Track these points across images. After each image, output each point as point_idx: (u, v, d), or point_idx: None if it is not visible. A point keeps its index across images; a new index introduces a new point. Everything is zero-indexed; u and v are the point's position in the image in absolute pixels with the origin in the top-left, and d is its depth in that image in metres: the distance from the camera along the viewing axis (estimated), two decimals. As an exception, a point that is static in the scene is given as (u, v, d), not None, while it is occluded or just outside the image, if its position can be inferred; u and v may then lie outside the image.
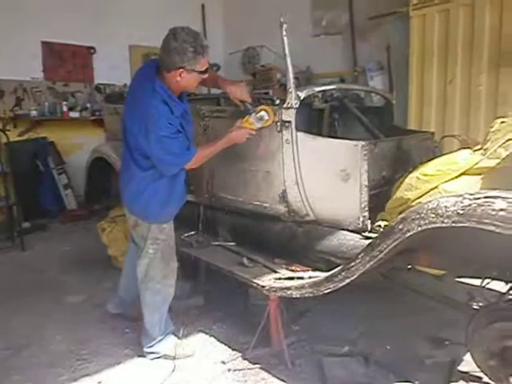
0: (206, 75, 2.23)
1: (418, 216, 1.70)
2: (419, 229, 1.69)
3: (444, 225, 1.62)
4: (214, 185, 2.97)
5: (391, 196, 2.36)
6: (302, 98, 2.47)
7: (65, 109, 5.41)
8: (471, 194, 1.60)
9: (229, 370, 2.34)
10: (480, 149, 2.23)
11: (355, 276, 1.95)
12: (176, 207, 2.41)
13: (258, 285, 2.35)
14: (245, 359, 2.41)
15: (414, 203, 2.16)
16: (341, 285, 2.01)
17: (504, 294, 2.29)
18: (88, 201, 4.30)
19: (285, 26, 2.32)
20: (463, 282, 2.86)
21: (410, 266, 2.38)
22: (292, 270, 2.45)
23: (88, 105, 5.67)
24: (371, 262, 1.88)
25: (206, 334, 2.70)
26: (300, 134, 2.45)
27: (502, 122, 2.20)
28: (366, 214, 2.32)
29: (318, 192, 2.47)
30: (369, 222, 2.33)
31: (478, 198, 1.57)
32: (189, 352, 2.48)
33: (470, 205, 1.57)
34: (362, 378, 2.18)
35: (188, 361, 2.43)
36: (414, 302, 2.80)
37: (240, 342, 2.59)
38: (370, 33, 5.17)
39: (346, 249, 2.33)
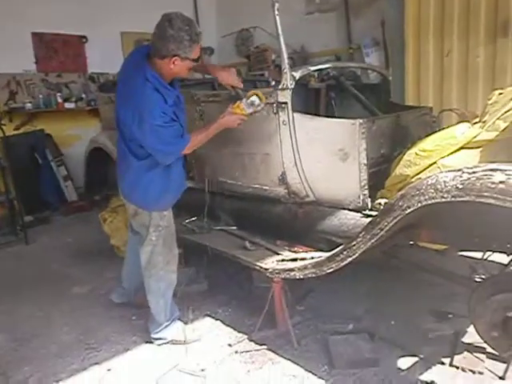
0: (198, 62, 2.22)
1: (417, 192, 1.70)
2: (419, 205, 1.69)
3: (444, 200, 1.62)
4: (213, 170, 2.96)
5: (390, 173, 2.35)
6: (297, 78, 2.44)
7: (59, 100, 5.36)
8: (470, 168, 1.60)
9: (236, 352, 2.37)
10: (478, 122, 2.21)
11: (357, 255, 1.96)
12: (175, 194, 2.41)
13: (261, 268, 2.36)
14: (251, 341, 2.44)
15: (413, 179, 2.15)
16: (343, 264, 2.02)
17: (506, 265, 2.31)
18: (88, 192, 4.30)
19: (277, 5, 2.29)
20: (465, 256, 2.88)
21: (411, 243, 2.39)
22: (294, 252, 2.46)
23: (83, 95, 5.62)
24: (372, 240, 1.89)
25: (212, 318, 2.73)
26: (297, 115, 2.43)
27: (500, 94, 2.18)
28: (366, 192, 2.32)
29: (317, 172, 2.46)
30: (369, 200, 2.34)
31: (477, 172, 1.57)
32: (196, 336, 2.51)
33: (468, 179, 1.57)
34: (368, 354, 2.20)
35: (195, 345, 2.46)
36: (417, 278, 2.82)
37: (246, 324, 2.62)
38: (365, 8, 5.07)
39: (347, 228, 2.33)
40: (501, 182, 1.50)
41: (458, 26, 4.01)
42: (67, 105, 5.41)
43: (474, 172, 1.57)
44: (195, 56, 2.16)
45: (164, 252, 2.41)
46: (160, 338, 2.49)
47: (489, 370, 2.07)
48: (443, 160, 2.13)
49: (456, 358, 2.14)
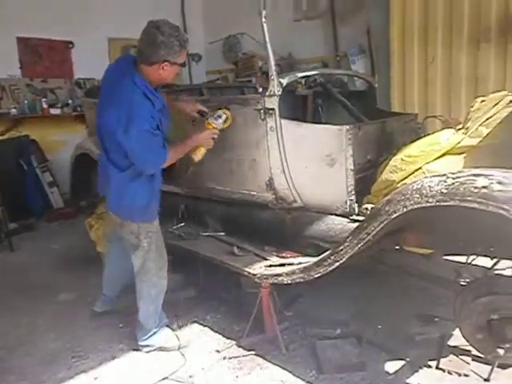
0: (185, 66, 2.27)
1: (403, 197, 1.73)
2: (405, 210, 1.72)
3: (429, 204, 1.65)
4: (201, 176, 2.96)
5: (377, 179, 2.38)
6: (284, 84, 2.46)
7: (45, 105, 5.31)
8: (454, 173, 1.63)
9: (224, 358, 2.36)
10: (462, 128, 2.26)
11: (344, 259, 1.97)
12: (158, 201, 2.39)
13: (249, 273, 2.37)
14: (239, 347, 2.43)
15: (399, 185, 2.19)
16: (330, 268, 2.04)
17: (489, 269, 2.35)
18: (74, 198, 4.26)
19: (264, 12, 2.31)
20: (450, 260, 2.92)
21: (397, 247, 2.42)
22: (282, 257, 2.47)
23: (69, 101, 5.58)
24: (359, 245, 1.91)
25: (200, 324, 2.71)
26: (284, 121, 2.45)
27: (482, 101, 2.23)
28: (353, 197, 2.34)
29: (304, 178, 2.48)
30: (356, 205, 2.36)
31: (461, 177, 1.60)
32: (184, 343, 2.49)
33: (453, 184, 1.60)
34: (356, 358, 2.22)
35: (183, 352, 2.44)
36: (403, 282, 2.85)
37: (234, 330, 2.61)
38: (351, 16, 5.14)
39: (335, 233, 2.35)
40: (483, 187, 1.53)
41: (441, 32, 4.10)
42: (53, 111, 5.37)
43: (458, 177, 1.61)
44: (182, 61, 2.21)
45: (157, 258, 2.41)
46: (148, 346, 2.47)
47: (474, 373, 2.10)
48: (428, 165, 2.17)
49: (442, 360, 2.17)
